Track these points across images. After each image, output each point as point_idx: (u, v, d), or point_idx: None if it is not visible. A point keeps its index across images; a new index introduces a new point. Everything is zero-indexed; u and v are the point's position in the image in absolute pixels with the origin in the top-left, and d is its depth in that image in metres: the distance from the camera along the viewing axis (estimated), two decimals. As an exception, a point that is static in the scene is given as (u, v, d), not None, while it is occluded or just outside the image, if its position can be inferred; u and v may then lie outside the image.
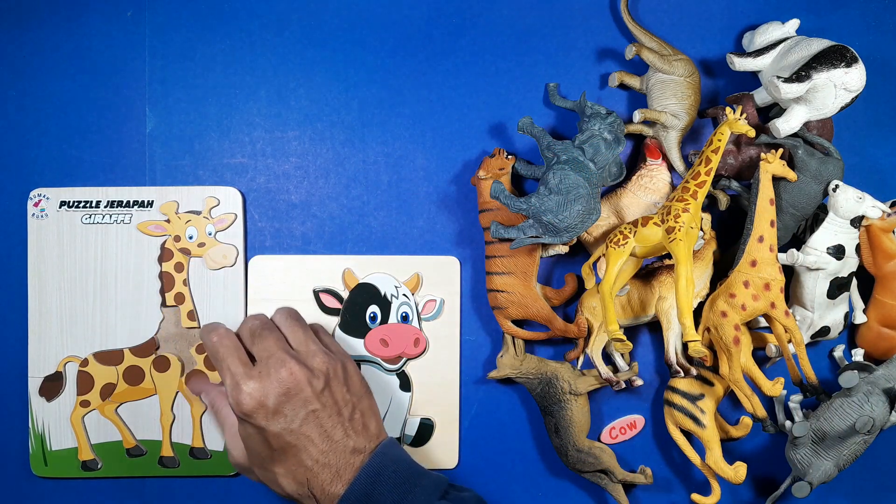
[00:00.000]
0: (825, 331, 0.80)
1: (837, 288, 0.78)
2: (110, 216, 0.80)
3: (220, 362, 0.69)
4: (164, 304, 0.80)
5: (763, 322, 0.80)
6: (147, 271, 0.80)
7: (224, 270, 0.80)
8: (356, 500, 0.65)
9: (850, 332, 0.84)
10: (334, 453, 0.67)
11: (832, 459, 0.76)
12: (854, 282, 0.81)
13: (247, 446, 0.69)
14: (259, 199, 0.81)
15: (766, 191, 0.75)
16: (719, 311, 0.75)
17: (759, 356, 0.82)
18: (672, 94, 0.78)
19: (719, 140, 0.74)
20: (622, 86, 0.81)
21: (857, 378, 0.74)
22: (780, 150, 0.76)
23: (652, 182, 0.79)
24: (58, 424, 0.80)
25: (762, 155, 0.76)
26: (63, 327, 0.79)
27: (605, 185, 0.77)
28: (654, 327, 0.83)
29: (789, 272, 0.80)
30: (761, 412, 0.76)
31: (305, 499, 0.68)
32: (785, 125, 0.75)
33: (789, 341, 0.77)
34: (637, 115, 0.78)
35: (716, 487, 0.79)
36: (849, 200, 0.76)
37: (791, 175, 0.76)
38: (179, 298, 0.80)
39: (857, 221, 0.77)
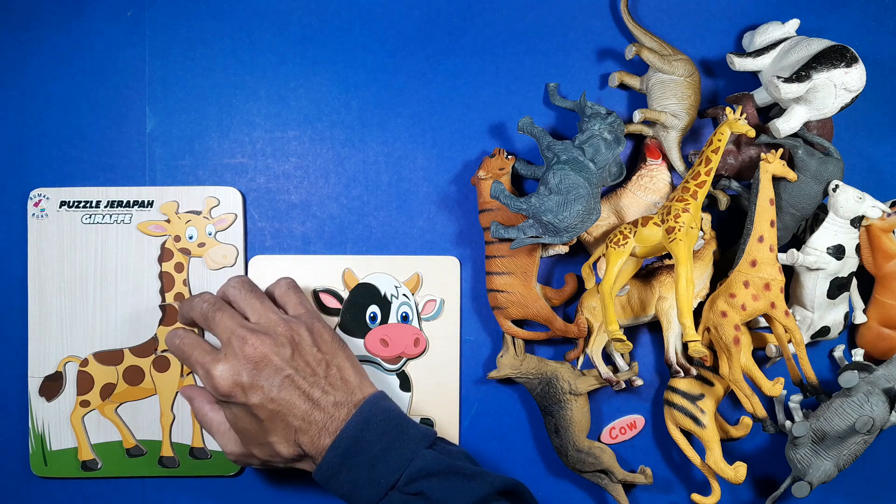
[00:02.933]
0: (825, 331, 0.80)
1: (837, 288, 0.78)
2: (110, 216, 0.80)
3: (187, 360, 0.71)
4: (164, 304, 0.80)
5: (763, 322, 0.80)
6: (147, 271, 0.80)
7: (224, 271, 0.80)
8: (345, 448, 0.68)
9: (850, 332, 0.84)
10: (317, 410, 0.69)
11: (832, 459, 0.76)
12: (854, 282, 0.81)
13: (238, 428, 0.71)
14: (259, 199, 0.81)
15: (766, 191, 0.75)
16: (719, 311, 0.75)
17: (759, 356, 0.82)
18: (672, 94, 0.78)
19: (719, 140, 0.74)
20: (622, 86, 0.81)
21: (857, 378, 0.74)
22: (780, 150, 0.76)
23: (652, 182, 0.79)
24: (58, 424, 0.80)
25: (762, 155, 0.76)
26: (63, 327, 0.79)
27: (605, 185, 0.77)
28: (654, 327, 0.83)
29: (789, 272, 0.80)
30: (761, 412, 0.76)
31: (303, 458, 0.71)
32: (785, 125, 0.75)
33: (789, 341, 0.77)
34: (637, 115, 0.78)
35: (716, 487, 0.79)
36: (849, 200, 0.76)
37: (791, 175, 0.76)
38: (179, 298, 0.80)
39: (857, 221, 0.77)
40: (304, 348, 0.71)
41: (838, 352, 0.84)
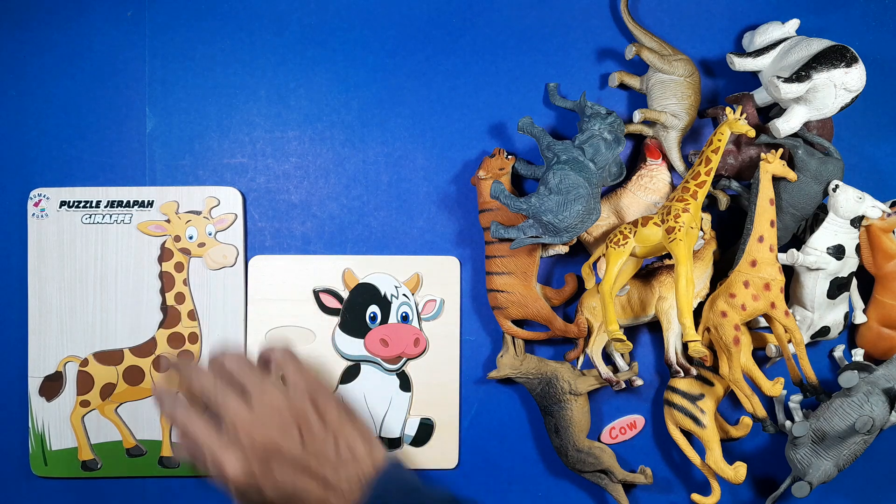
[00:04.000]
0: (825, 331, 0.80)
1: (837, 288, 0.78)
2: (110, 216, 0.80)
3: (193, 440, 0.64)
4: (164, 305, 0.80)
5: (763, 322, 0.80)
6: (147, 271, 0.80)
7: (224, 270, 0.80)
8: None
9: (850, 332, 0.84)
10: (331, 492, 0.66)
11: (832, 459, 0.76)
12: (854, 282, 0.81)
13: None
14: (259, 199, 0.81)
15: (766, 191, 0.75)
16: (719, 311, 0.75)
17: (759, 356, 0.82)
18: (672, 94, 0.78)
19: (719, 140, 0.74)
20: (622, 86, 0.81)
21: (857, 378, 0.74)
22: (780, 150, 0.76)
23: (652, 182, 0.79)
24: (58, 424, 0.79)
25: (762, 155, 0.76)
26: (63, 327, 0.79)
27: (605, 185, 0.77)
28: (654, 327, 0.83)
29: (789, 272, 0.80)
30: (761, 412, 0.76)
31: None
32: (785, 125, 0.75)
33: (789, 341, 0.77)
34: (637, 115, 0.78)
35: (716, 487, 0.79)
36: (849, 200, 0.76)
37: (791, 175, 0.76)
38: (180, 298, 0.80)
39: (857, 221, 0.77)
40: (312, 427, 0.66)
41: (838, 352, 0.84)
